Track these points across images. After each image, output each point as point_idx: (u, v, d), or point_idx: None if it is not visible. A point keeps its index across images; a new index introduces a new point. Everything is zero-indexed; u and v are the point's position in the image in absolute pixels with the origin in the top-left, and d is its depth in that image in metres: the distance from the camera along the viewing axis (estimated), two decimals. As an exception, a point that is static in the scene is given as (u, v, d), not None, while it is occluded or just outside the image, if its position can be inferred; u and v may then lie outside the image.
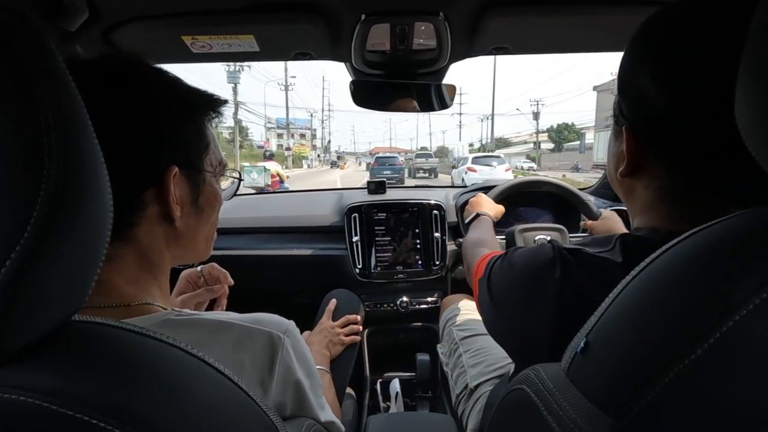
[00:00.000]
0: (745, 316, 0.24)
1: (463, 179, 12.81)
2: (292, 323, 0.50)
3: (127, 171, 0.41)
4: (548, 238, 1.18)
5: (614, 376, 0.29)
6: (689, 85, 0.39)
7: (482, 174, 12.73)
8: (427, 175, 20.45)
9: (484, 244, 0.84)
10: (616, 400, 0.28)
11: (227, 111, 0.51)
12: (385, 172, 16.73)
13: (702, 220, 0.31)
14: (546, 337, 0.45)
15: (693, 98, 0.39)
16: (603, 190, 1.60)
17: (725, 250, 0.28)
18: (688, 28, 0.40)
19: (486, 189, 1.35)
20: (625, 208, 0.55)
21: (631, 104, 0.46)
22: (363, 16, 0.79)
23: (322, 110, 61.85)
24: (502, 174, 13.01)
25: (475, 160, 14.56)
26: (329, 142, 70.33)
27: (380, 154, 22.02)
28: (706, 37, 0.38)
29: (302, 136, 56.82)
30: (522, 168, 23.30)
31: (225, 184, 0.58)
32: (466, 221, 1.06)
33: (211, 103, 0.49)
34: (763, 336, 0.24)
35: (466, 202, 1.24)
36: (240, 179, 0.61)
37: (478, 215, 1.04)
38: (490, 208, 1.09)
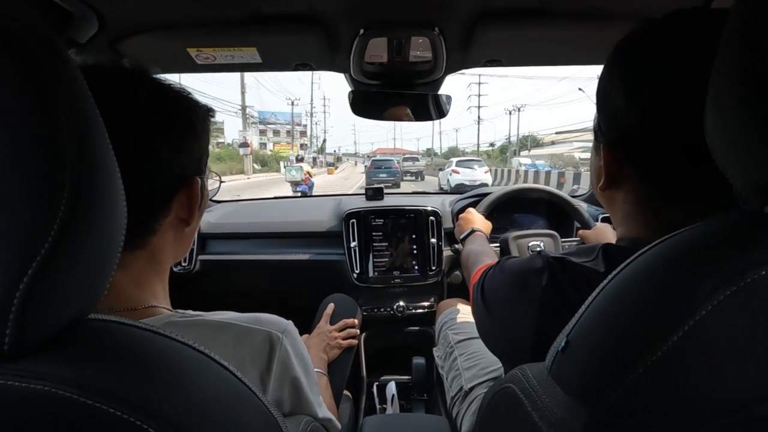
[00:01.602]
0: (706, 315, 0.26)
1: (448, 180, 15.25)
2: (290, 323, 0.52)
3: (166, 181, 0.45)
4: (541, 244, 1.21)
5: (589, 371, 0.32)
6: (658, 100, 0.42)
7: (464, 176, 14.98)
8: (414, 178, 21.65)
9: (486, 254, 0.88)
10: (591, 394, 0.30)
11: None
12: (381, 175, 16.98)
13: (678, 229, 0.33)
14: (529, 339, 0.48)
15: (662, 113, 0.42)
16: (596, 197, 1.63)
17: (688, 256, 0.30)
18: (658, 46, 0.43)
19: (482, 196, 1.38)
20: None
21: (607, 120, 0.49)
22: (361, 30, 0.83)
23: (311, 101, 49.20)
24: (481, 175, 15.16)
25: (458, 164, 16.62)
26: (324, 141, 61.97)
27: (377, 157, 22.38)
28: (675, 54, 0.41)
29: (289, 133, 46.23)
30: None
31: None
32: (461, 237, 1.09)
33: (210, 113, 0.52)
34: (721, 333, 0.26)
35: (462, 209, 1.27)
36: (221, 181, 0.65)
37: (473, 231, 1.08)
38: (481, 224, 1.12)
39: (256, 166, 27.31)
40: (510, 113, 42.72)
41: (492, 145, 59.94)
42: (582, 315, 0.35)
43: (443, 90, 1.13)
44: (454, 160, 18.20)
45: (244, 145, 22.38)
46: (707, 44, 0.37)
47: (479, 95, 50.19)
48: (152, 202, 0.44)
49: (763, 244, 0.27)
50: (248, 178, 19.60)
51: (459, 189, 14.21)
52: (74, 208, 0.26)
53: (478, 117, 50.89)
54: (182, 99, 0.48)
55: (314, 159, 42.12)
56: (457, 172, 15.35)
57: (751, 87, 0.27)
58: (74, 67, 0.29)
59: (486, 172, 15.69)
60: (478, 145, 52.40)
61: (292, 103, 41.53)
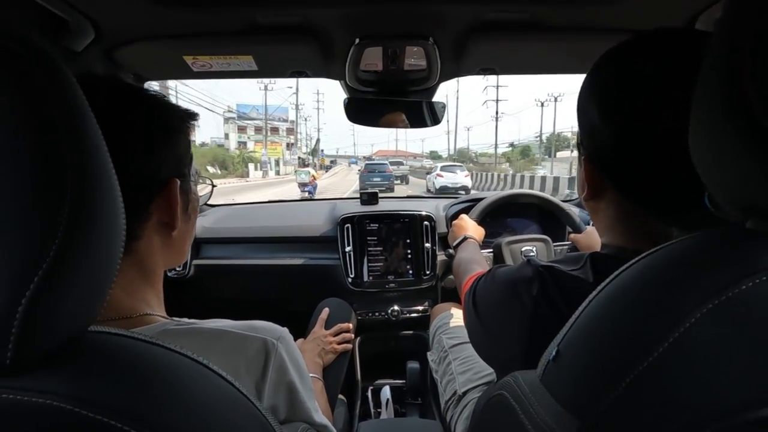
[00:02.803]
0: (691, 325, 0.27)
1: (434, 182, 17.63)
2: (285, 330, 0.53)
3: (139, 185, 0.45)
4: (534, 249, 1.23)
5: (580, 381, 0.33)
6: (632, 117, 0.44)
7: (447, 179, 17.30)
8: (399, 182, 22.84)
9: (477, 262, 0.89)
10: (582, 403, 0.31)
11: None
12: (375, 179, 17.16)
13: (658, 239, 0.35)
14: (520, 347, 0.49)
15: (635, 133, 0.44)
16: None
17: (674, 269, 0.32)
18: (633, 64, 0.44)
19: (475, 201, 1.39)
20: None
21: (585, 135, 0.51)
22: (357, 40, 0.84)
23: (296, 91, 39.59)
24: (462, 179, 17.38)
25: (442, 168, 18.94)
26: (318, 141, 56.57)
27: (371, 161, 22.77)
28: (651, 72, 0.43)
29: (274, 130, 38.96)
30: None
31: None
32: (454, 244, 1.10)
33: (190, 116, 0.53)
34: (707, 344, 0.27)
35: (455, 215, 1.28)
36: (212, 185, 0.66)
37: (465, 238, 1.09)
38: (474, 231, 1.13)
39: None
40: (542, 105, 34.72)
41: (512, 145, 52.20)
42: (572, 325, 0.36)
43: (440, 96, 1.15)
44: (439, 165, 21.15)
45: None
46: (683, 62, 0.39)
47: (497, 86, 42.77)
48: (128, 205, 0.45)
49: (746, 258, 0.29)
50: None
51: (443, 191, 16.04)
52: (75, 221, 0.27)
53: (496, 112, 42.35)
54: (154, 102, 0.48)
55: (299, 161, 36.07)
56: (441, 176, 17.63)
57: (732, 110, 0.28)
58: (72, 79, 0.29)
59: (466, 176, 18.00)
60: (496, 145, 44.04)
61: (266, 88, 33.26)
